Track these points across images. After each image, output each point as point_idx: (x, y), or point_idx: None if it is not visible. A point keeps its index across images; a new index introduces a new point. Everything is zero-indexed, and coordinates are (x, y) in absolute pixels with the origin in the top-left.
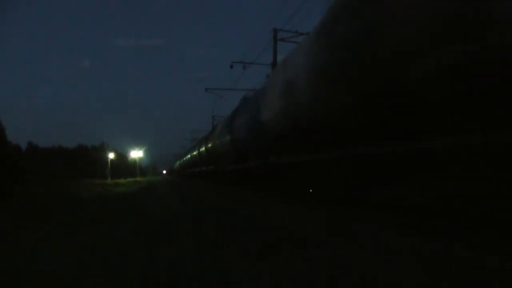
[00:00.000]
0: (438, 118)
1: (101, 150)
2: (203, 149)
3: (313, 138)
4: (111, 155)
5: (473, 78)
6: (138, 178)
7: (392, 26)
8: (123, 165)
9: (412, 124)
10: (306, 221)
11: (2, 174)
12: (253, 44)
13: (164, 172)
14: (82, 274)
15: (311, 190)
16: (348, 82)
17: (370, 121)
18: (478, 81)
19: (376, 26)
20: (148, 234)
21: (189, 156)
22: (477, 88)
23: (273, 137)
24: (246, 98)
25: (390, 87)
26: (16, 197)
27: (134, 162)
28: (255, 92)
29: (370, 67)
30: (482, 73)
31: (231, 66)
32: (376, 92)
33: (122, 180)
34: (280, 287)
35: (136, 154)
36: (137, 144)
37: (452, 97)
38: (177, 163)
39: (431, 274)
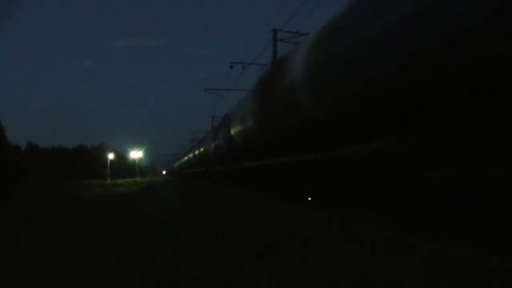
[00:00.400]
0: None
1: (101, 150)
2: (197, 152)
3: (256, 151)
4: (111, 156)
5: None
6: (138, 179)
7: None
8: (123, 166)
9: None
10: (306, 221)
11: (2, 175)
12: (252, 45)
13: (164, 172)
14: (82, 274)
15: (310, 190)
16: (260, 124)
17: (274, 145)
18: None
19: (267, 101)
20: (148, 234)
21: (186, 158)
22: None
23: (238, 148)
24: (226, 114)
25: (276, 133)
26: (16, 197)
27: (133, 163)
28: (231, 111)
29: (268, 119)
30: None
31: (231, 67)
32: (272, 132)
33: (121, 181)
34: (280, 286)
35: (136, 154)
36: (136, 144)
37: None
38: (177, 163)
39: (431, 274)
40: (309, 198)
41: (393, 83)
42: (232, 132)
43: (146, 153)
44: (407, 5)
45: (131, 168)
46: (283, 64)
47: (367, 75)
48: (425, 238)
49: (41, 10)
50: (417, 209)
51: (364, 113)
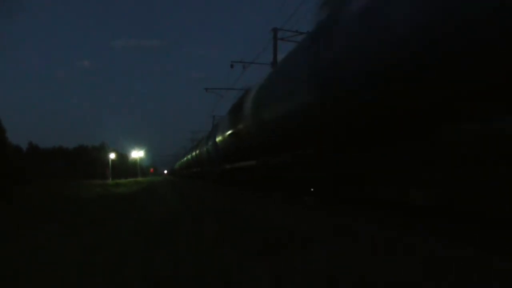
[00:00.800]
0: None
1: (102, 150)
2: (194, 154)
3: (231, 157)
4: (112, 155)
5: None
6: (139, 179)
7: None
8: (124, 166)
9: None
10: (306, 221)
11: (2, 176)
12: (253, 44)
13: (165, 172)
14: (82, 274)
15: (312, 189)
16: (231, 138)
17: (239, 154)
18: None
19: (235, 124)
20: (148, 234)
21: (185, 158)
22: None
23: (221, 153)
24: (217, 123)
25: (240, 146)
26: (16, 197)
27: (134, 163)
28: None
29: (236, 136)
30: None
31: (231, 66)
32: (238, 145)
33: (123, 180)
34: (280, 287)
35: (137, 154)
36: (137, 144)
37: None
38: (177, 164)
39: (430, 274)
40: (308, 198)
41: (288, 130)
42: (217, 140)
43: (147, 153)
44: (286, 87)
45: (132, 168)
46: (243, 100)
47: (278, 121)
48: (425, 238)
49: (41, 10)
50: (416, 209)
51: (279, 140)
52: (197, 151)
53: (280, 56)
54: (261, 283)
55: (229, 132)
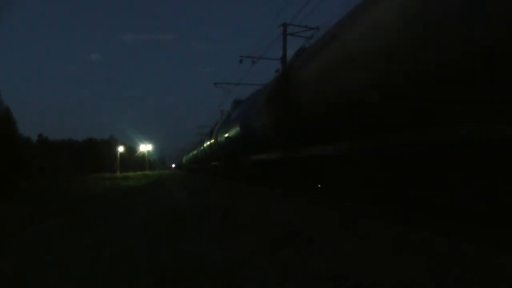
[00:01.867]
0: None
1: (110, 143)
2: (194, 152)
3: (210, 158)
4: (120, 149)
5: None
6: (147, 172)
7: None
8: (132, 159)
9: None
10: (311, 216)
11: (13, 170)
12: (263, 38)
13: (173, 165)
14: (91, 266)
15: (319, 185)
16: (208, 148)
17: (213, 157)
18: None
19: (211, 141)
20: (155, 230)
21: (189, 155)
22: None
23: (207, 155)
24: (206, 134)
25: (214, 154)
26: (26, 192)
27: (143, 156)
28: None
29: (212, 148)
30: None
31: (240, 61)
32: (213, 153)
33: (131, 174)
34: (286, 281)
35: (145, 148)
36: (146, 138)
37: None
38: (184, 158)
39: (435, 270)
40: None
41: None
42: (204, 145)
43: (156, 147)
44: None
45: (140, 161)
46: (214, 127)
47: (219, 145)
48: (430, 234)
49: (50, 4)
50: (422, 206)
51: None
52: (196, 151)
53: (290, 51)
54: (267, 277)
55: (208, 143)
